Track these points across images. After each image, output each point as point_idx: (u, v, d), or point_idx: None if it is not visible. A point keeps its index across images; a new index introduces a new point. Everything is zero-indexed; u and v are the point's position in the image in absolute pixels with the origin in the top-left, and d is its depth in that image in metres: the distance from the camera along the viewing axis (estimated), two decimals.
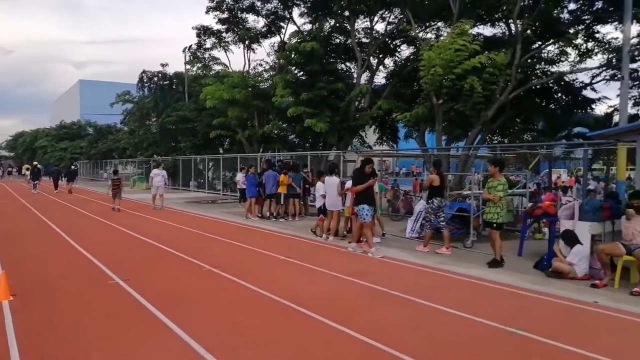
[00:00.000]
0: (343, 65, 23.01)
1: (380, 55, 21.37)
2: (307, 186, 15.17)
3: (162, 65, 34.13)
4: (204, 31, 27.30)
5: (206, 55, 29.32)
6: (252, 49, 26.72)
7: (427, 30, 19.55)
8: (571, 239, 7.45)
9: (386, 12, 20.07)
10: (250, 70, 26.51)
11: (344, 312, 5.52)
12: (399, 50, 21.50)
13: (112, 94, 39.99)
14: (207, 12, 24.97)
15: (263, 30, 25.44)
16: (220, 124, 24.19)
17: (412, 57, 20.24)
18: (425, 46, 14.13)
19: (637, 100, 15.22)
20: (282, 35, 24.79)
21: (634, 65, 14.39)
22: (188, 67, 31.55)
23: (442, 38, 16.44)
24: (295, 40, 19.89)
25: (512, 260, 8.60)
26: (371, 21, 20.32)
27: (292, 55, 19.32)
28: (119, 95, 38.69)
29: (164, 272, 7.56)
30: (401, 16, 18.82)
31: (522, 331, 4.89)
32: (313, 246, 10.25)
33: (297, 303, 5.77)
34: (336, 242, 10.50)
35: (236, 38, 26.40)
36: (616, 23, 14.31)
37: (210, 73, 28.48)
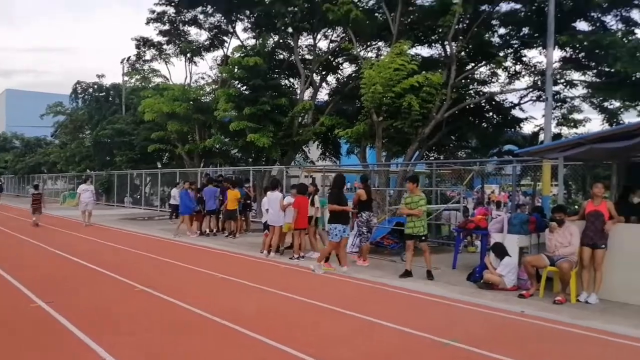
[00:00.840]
0: (287, 81, 23.09)
1: (323, 72, 21.67)
2: (248, 201, 14.97)
3: (98, 76, 32.92)
4: (143, 42, 26.54)
5: (145, 67, 28.51)
6: (194, 62, 26.27)
7: (368, 49, 20.07)
8: (500, 251, 7.79)
9: (329, 31, 20.44)
10: (191, 84, 26.04)
11: (282, 330, 5.43)
12: (341, 68, 21.91)
13: (42, 105, 37.96)
14: (147, 23, 24.32)
15: (206, 43, 25.09)
16: (159, 137, 23.50)
17: (353, 75, 20.68)
18: (366, 65, 14.47)
19: (559, 120, 16.35)
20: (225, 49, 24.60)
21: (556, 88, 15.46)
22: (126, 78, 30.56)
23: (382, 57, 16.92)
24: (239, 54, 19.76)
25: (446, 273, 8.87)
26: (314, 39, 20.61)
27: (235, 70, 19.16)
28: (50, 107, 36.73)
29: (93, 293, 7.14)
30: (343, 35, 19.22)
31: (455, 342, 5.02)
32: (253, 263, 10.08)
33: (234, 322, 5.62)
34: (277, 258, 10.38)
35: (177, 50, 25.86)
36: (540, 48, 15.35)
37: (150, 85, 27.68)
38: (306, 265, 9.44)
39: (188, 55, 25.35)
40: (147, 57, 27.46)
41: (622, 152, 8.56)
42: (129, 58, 29.62)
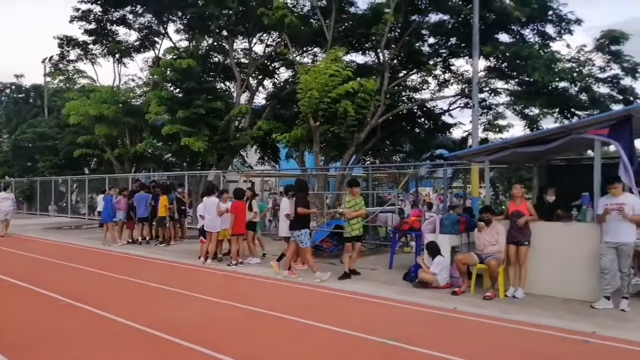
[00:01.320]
0: (222, 85, 22.76)
1: (260, 76, 21.55)
2: (182, 207, 14.52)
3: (17, 76, 30.71)
4: (67, 41, 25.08)
5: (70, 68, 26.92)
6: (123, 63, 25.21)
7: (304, 54, 20.24)
8: (433, 250, 8.09)
9: (264, 35, 20.38)
10: (121, 85, 24.93)
11: (220, 338, 5.30)
12: (277, 72, 21.91)
13: None
14: (71, 21, 23.01)
15: (135, 44, 24.16)
16: (86, 142, 22.26)
17: (290, 79, 20.76)
18: (302, 70, 14.57)
19: (486, 126, 17.34)
20: (156, 51, 23.79)
21: (482, 95, 16.38)
22: (48, 79, 28.70)
23: (317, 63, 17.11)
24: (171, 56, 19.20)
25: (383, 273, 9.08)
26: (250, 42, 20.46)
27: (168, 72, 18.60)
28: None
29: (12, 310, 6.60)
30: (279, 39, 19.24)
31: (392, 340, 5.13)
32: (188, 271, 9.78)
33: (169, 333, 5.40)
34: (214, 265, 10.14)
35: (105, 51, 24.69)
36: (467, 57, 16.21)
37: (75, 87, 26.15)
38: (244, 272, 9.30)
39: (116, 56, 24.29)
40: (72, 57, 25.99)
41: (541, 155, 9.21)
42: (51, 57, 27.87)
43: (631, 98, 13.24)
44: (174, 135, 18.22)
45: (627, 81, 13.53)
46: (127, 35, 24.08)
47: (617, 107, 13.78)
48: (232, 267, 9.76)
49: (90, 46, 24.96)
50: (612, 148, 6.99)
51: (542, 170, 10.14)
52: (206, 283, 8.55)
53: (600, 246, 6.55)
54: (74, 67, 26.88)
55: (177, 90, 19.58)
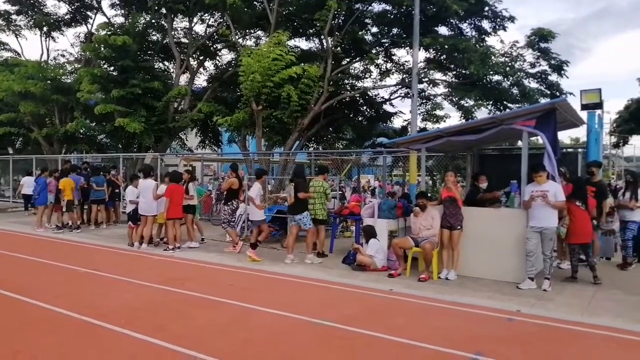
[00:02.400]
0: (161, 64, 21.86)
1: (201, 57, 20.89)
2: (116, 191, 13.91)
3: None
4: None
5: None
6: (52, 38, 23.57)
7: (247, 37, 19.82)
8: (369, 234, 8.29)
9: (206, 15, 19.73)
10: (49, 61, 23.31)
11: (153, 323, 5.16)
12: (219, 54, 21.33)
13: None
14: None
15: (66, 17, 22.62)
16: (10, 120, 20.67)
17: (233, 62, 20.29)
18: (244, 53, 14.27)
19: (424, 116, 17.86)
20: (89, 26, 22.41)
21: (421, 86, 16.85)
22: None
23: (260, 46, 16.83)
24: (105, 32, 18.16)
25: (324, 258, 9.18)
26: (190, 22, 19.74)
27: (101, 48, 17.60)
28: None
29: None
30: (221, 20, 18.71)
31: (328, 321, 5.23)
32: (122, 255, 9.42)
33: (99, 318, 5.21)
34: (149, 250, 9.83)
35: (31, 23, 22.94)
36: (408, 48, 16.57)
37: None
38: (182, 257, 9.09)
39: (44, 29, 22.65)
40: None
41: (474, 144, 9.66)
42: None
43: (557, 93, 14.12)
44: (108, 116, 17.33)
45: (554, 77, 14.43)
46: (57, 8, 22.58)
47: (544, 101, 14.66)
48: (169, 252, 9.51)
49: (14, 16, 23.12)
50: (539, 139, 7.41)
51: (475, 159, 10.62)
52: (141, 268, 8.28)
53: (525, 231, 6.96)
54: None
55: (112, 68, 18.61)
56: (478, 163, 10.61)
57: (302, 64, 14.00)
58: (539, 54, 14.16)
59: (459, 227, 7.56)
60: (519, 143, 11.86)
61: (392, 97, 18.87)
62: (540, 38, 13.71)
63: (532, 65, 14.45)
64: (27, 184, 15.73)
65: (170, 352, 4.34)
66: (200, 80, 22.06)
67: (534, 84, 14.63)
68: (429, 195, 8.81)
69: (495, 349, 4.50)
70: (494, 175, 8.90)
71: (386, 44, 17.26)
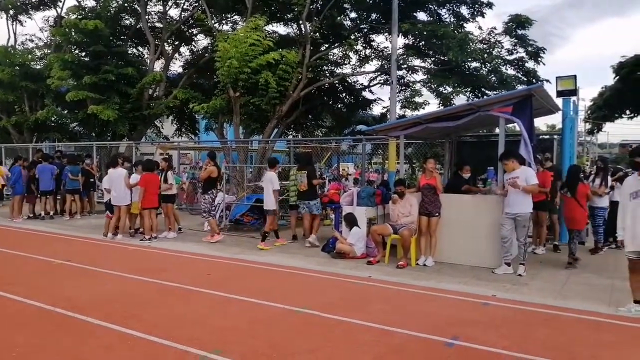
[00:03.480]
0: (135, 50, 21.30)
1: (176, 43, 20.42)
2: (90, 180, 13.61)
3: None
4: None
5: None
6: (19, 21, 22.68)
7: (224, 22, 19.43)
8: (350, 222, 8.28)
9: None
10: (17, 46, 22.47)
11: (128, 314, 5.05)
12: (195, 39, 20.87)
13: None
14: None
15: (34, 0, 21.79)
16: None
17: (209, 47, 19.89)
18: (220, 38, 13.97)
19: (403, 103, 17.83)
20: (58, 9, 21.64)
21: (400, 73, 16.79)
22: None
23: (237, 31, 16.51)
24: (75, 16, 17.58)
25: (303, 246, 9.16)
26: (164, 5, 19.24)
27: (72, 33, 17.04)
28: None
29: None
30: (196, 4, 18.29)
31: (307, 309, 5.21)
32: (98, 246, 9.23)
33: (74, 310, 5.09)
34: (125, 241, 9.64)
35: None
36: (387, 34, 16.47)
37: None
38: (159, 247, 8.95)
39: (10, 12, 21.78)
40: None
41: (453, 131, 9.69)
42: None
43: (534, 80, 14.22)
44: (80, 103, 16.85)
45: (531, 64, 14.53)
46: None
47: (521, 88, 14.79)
48: (146, 242, 9.36)
49: None
50: (517, 126, 7.47)
51: (453, 146, 10.68)
52: (116, 259, 8.11)
53: (501, 217, 7.02)
54: None
55: (84, 54, 18.06)
56: (456, 150, 10.67)
57: (280, 50, 13.80)
58: (516, 40, 14.23)
59: (437, 214, 7.61)
60: (497, 130, 11.99)
61: (371, 84, 18.80)
62: (517, 24, 13.76)
63: (510, 52, 14.52)
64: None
65: (145, 342, 4.27)
66: (176, 67, 21.62)
67: (511, 71, 14.72)
68: (407, 182, 8.85)
69: (471, 333, 4.54)
70: (472, 162, 8.97)
71: (365, 30, 17.13)
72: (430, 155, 11.56)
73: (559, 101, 9.02)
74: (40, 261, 7.75)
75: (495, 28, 14.47)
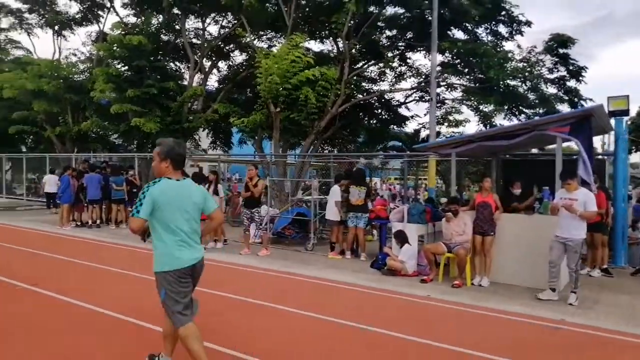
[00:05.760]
0: (172, 65, 21.87)
1: (214, 58, 20.90)
2: (134, 190, 13.91)
3: None
4: None
5: (2, 37, 24.80)
6: (64, 36, 23.55)
7: (261, 39, 19.82)
8: (402, 239, 8.29)
9: (219, 16, 19.76)
10: (62, 59, 23.28)
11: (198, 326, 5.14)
12: (232, 55, 21.34)
13: None
14: None
15: (77, 16, 22.62)
16: (23, 118, 20.66)
17: (245, 63, 20.30)
18: (260, 54, 14.27)
19: (439, 119, 17.85)
20: (100, 25, 22.41)
21: (438, 90, 16.83)
22: None
23: (276, 48, 16.83)
24: (119, 32, 18.16)
25: (351, 261, 9.20)
26: (203, 22, 19.75)
27: (115, 48, 17.60)
28: None
29: None
30: (235, 21, 18.71)
31: (371, 327, 5.23)
32: (147, 255, 9.36)
33: (141, 318, 5.21)
34: None
35: (43, 21, 22.94)
36: (423, 52, 16.56)
37: (8, 58, 24.11)
38: (209, 257, 9.04)
39: (56, 27, 22.64)
40: (4, 24, 24.02)
41: (500, 150, 9.68)
42: None
43: (576, 99, 14.13)
44: (121, 115, 17.31)
45: (572, 83, 14.42)
46: (68, 6, 22.56)
47: (563, 107, 14.68)
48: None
49: (26, 15, 23.14)
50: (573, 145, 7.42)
51: (499, 164, 10.64)
52: None
53: (550, 239, 6.70)
54: (7, 36, 24.83)
55: (125, 68, 18.61)
56: (502, 168, 10.62)
57: (319, 67, 14.00)
58: (557, 59, 14.17)
59: (492, 233, 7.57)
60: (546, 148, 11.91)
61: (407, 101, 18.86)
62: (559, 44, 13.73)
63: (551, 71, 14.46)
64: (50, 182, 15.71)
65: (229, 357, 4.35)
66: (212, 82, 22.10)
67: (552, 90, 14.64)
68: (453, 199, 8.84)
69: (553, 358, 4.49)
70: (513, 180, 8.94)
71: (401, 48, 17.25)
72: (463, 172, 11.58)
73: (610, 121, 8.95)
74: (99, 270, 7.93)
75: (535, 46, 14.45)
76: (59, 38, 23.31)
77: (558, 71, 14.40)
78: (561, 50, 13.96)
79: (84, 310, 5.63)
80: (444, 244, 7.76)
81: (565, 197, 6.61)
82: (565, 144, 8.14)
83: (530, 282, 7.31)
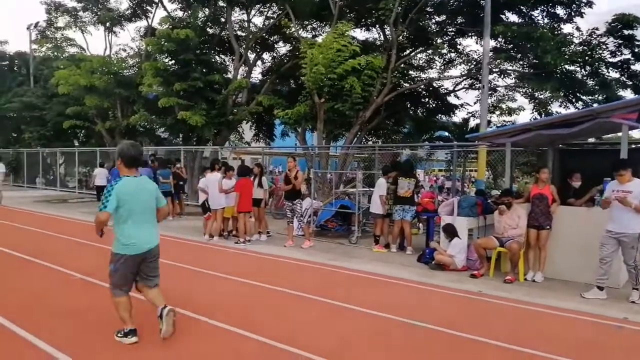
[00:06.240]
0: (218, 57, 22.12)
1: (259, 50, 20.96)
2: (181, 183, 14.18)
3: (1, 42, 29.43)
4: (55, 7, 24.11)
5: (58, 35, 25.90)
6: (114, 33, 24.31)
7: (305, 29, 19.67)
8: (451, 232, 7.95)
9: (263, 7, 19.77)
10: (112, 55, 24.06)
11: (247, 318, 5.09)
12: (276, 46, 21.32)
13: None
14: None
15: (127, 13, 23.27)
16: (76, 113, 21.53)
17: (289, 54, 20.25)
18: (305, 44, 14.11)
19: (490, 108, 17.08)
20: (149, 20, 22.95)
21: (490, 77, 16.11)
22: (35, 47, 27.57)
23: (320, 38, 16.61)
24: (167, 26, 18.50)
25: (396, 255, 8.95)
26: (248, 14, 19.81)
27: (163, 42, 17.94)
28: None
29: (23, 284, 6.27)
30: (280, 12, 18.65)
31: (425, 323, 4.99)
32: (195, 248, 9.51)
33: (190, 310, 5.20)
34: (221, 243, 9.88)
35: (95, 19, 23.76)
36: (475, 37, 15.87)
37: (64, 55, 25.18)
38: (254, 250, 9.08)
39: (107, 24, 23.38)
40: (60, 24, 25.05)
41: (559, 139, 9.08)
42: (37, 24, 26.88)
43: None
44: (167, 109, 17.66)
45: (637, 66, 13.40)
46: (118, 3, 23.25)
47: (626, 93, 13.70)
48: (241, 244, 9.53)
49: (80, 13, 24.04)
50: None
51: (556, 154, 10.00)
52: (220, 261, 8.29)
53: (601, 235, 6.25)
54: (63, 34, 25.91)
55: (173, 62, 18.96)
56: (559, 159, 9.99)
57: (363, 55, 13.69)
58: (620, 41, 13.19)
59: (547, 227, 7.13)
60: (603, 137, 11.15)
61: (456, 89, 18.21)
62: (624, 24, 12.75)
63: (613, 54, 13.48)
64: (100, 175, 16.23)
65: (277, 350, 4.26)
66: (255, 74, 22.21)
67: (614, 74, 13.66)
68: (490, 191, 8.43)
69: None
70: (569, 171, 8.41)
71: (451, 33, 16.61)
72: (515, 162, 10.96)
73: None
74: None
75: (597, 28, 13.51)
76: (110, 34, 24.09)
77: (622, 54, 13.40)
78: (626, 32, 12.96)
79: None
80: (495, 237, 7.38)
81: (618, 190, 6.13)
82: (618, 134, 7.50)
83: (588, 278, 6.78)
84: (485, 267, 7.44)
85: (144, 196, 4.24)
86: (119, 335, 4.29)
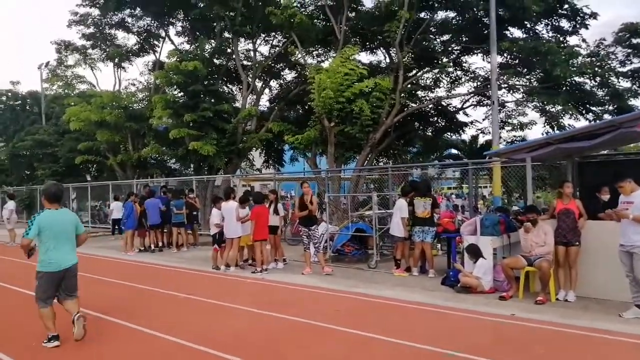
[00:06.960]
0: (226, 87, 22.31)
1: (266, 78, 21.13)
2: (194, 213, 14.09)
3: (13, 83, 30.01)
4: (65, 46, 24.57)
5: (68, 73, 26.36)
6: (123, 68, 24.67)
7: (310, 55, 19.82)
8: (475, 253, 7.71)
9: (268, 36, 20.01)
10: (121, 90, 24.38)
11: (272, 351, 4.88)
12: (282, 74, 21.49)
13: None
14: (69, 26, 22.54)
15: (135, 48, 23.67)
16: (87, 148, 21.69)
17: (295, 80, 20.36)
18: (312, 70, 14.17)
19: (499, 124, 16.92)
20: (156, 54, 23.30)
21: (498, 92, 16.01)
22: (46, 85, 28.06)
23: (327, 63, 16.71)
24: (174, 59, 18.73)
25: (419, 278, 8.70)
26: (254, 43, 20.04)
27: (172, 75, 18.13)
28: None
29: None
30: (285, 40, 18.84)
31: (459, 352, 4.75)
32: (212, 279, 9.34)
33: (212, 346, 5.00)
34: (238, 273, 9.69)
35: (104, 55, 24.17)
36: (481, 54, 15.85)
37: (74, 92, 25.57)
38: (272, 279, 8.87)
39: (116, 60, 23.76)
40: (70, 62, 25.50)
41: (576, 152, 8.89)
42: (47, 63, 27.39)
43: None
44: (178, 140, 17.72)
45: None
46: (126, 39, 23.64)
47: (637, 102, 13.54)
48: (258, 274, 9.33)
49: (89, 51, 24.47)
50: None
51: (575, 167, 9.79)
52: (237, 292, 8.10)
53: (617, 250, 6.09)
54: (73, 72, 26.36)
55: (181, 93, 19.11)
56: (578, 172, 9.77)
57: (371, 78, 13.69)
58: (629, 50, 13.09)
59: (576, 243, 6.88)
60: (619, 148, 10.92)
61: (464, 106, 18.14)
62: (632, 33, 12.67)
63: (622, 64, 13.37)
64: (117, 209, 16.21)
65: None
66: (263, 101, 22.33)
67: (625, 83, 13.51)
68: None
69: None
70: (592, 186, 8.22)
71: (456, 51, 16.63)
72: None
73: None
74: (165, 295, 7.88)
75: (604, 39, 13.44)
76: (119, 70, 24.43)
77: (631, 63, 13.29)
78: (634, 41, 12.87)
79: (160, 340, 5.50)
80: (523, 257, 7.13)
81: (624, 202, 6.10)
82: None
83: (624, 296, 6.50)
84: (514, 288, 7.17)
85: (62, 225, 5.20)
86: (44, 342, 5.10)
